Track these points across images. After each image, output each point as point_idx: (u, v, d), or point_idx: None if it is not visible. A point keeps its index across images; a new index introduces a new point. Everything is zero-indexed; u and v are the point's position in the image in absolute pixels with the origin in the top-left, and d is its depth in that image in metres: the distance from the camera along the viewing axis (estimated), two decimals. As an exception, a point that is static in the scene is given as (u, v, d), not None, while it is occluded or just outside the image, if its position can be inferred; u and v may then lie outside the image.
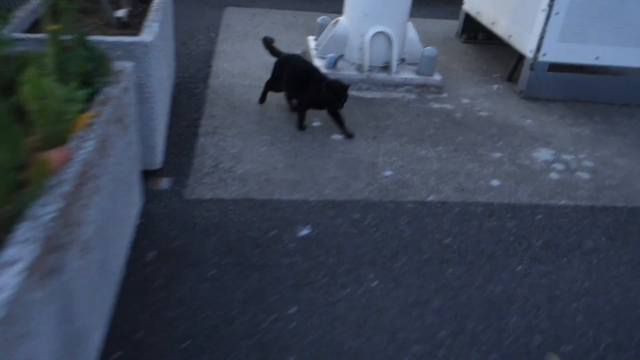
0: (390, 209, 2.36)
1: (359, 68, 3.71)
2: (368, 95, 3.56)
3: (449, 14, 5.82)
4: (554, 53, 3.57)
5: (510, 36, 3.96)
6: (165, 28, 2.63)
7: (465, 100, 3.62)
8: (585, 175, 2.80)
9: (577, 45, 3.55)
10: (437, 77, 3.69)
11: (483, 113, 3.45)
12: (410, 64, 3.88)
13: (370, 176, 2.60)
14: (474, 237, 2.23)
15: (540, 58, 3.58)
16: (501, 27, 4.14)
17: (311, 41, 4.19)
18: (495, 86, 3.94)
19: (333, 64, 3.61)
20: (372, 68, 3.72)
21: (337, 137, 2.95)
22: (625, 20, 3.49)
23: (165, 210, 2.22)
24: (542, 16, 3.48)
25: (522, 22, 3.78)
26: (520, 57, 3.81)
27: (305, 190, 2.44)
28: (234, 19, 5.04)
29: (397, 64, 3.79)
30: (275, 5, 5.71)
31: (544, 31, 3.49)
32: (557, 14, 3.44)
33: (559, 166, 2.86)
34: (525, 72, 3.71)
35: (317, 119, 3.10)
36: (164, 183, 2.37)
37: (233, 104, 3.21)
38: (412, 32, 3.86)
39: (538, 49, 3.55)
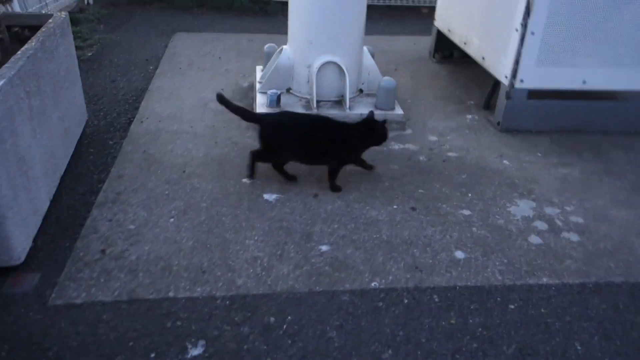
0: (319, 305, 1.82)
1: (308, 104, 3.18)
2: (317, 137, 3.02)
3: (423, 30, 5.31)
4: (532, 79, 3.04)
5: (483, 58, 3.44)
6: (31, 79, 2.11)
7: (433, 138, 3.08)
8: (573, 237, 2.25)
9: (559, 69, 3.03)
10: (398, 112, 3.16)
11: (452, 154, 2.91)
12: (369, 95, 3.36)
13: (301, 254, 2.07)
14: (423, 346, 1.68)
15: (517, 85, 3.05)
16: (473, 48, 3.62)
17: (259, 71, 3.67)
18: (469, 117, 3.41)
19: (275, 102, 3.09)
20: (323, 104, 3.20)
21: (271, 196, 2.42)
22: (615, 36, 2.96)
23: (15, 326, 1.68)
24: (515, 37, 2.96)
25: (494, 43, 3.26)
26: (497, 82, 3.28)
27: (212, 281, 1.90)
28: (180, 46, 4.53)
29: (353, 97, 3.27)
30: (231, 28, 5.21)
31: (519, 54, 2.96)
32: (532, 33, 2.91)
33: (541, 225, 2.32)
34: (501, 102, 3.19)
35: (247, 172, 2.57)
36: (24, 283, 1.83)
37: (151, 158, 2.69)
38: (368, 59, 3.34)
39: (514, 74, 3.02)
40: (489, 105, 3.52)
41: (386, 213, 2.35)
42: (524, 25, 2.89)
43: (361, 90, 3.39)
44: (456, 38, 3.96)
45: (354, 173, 2.64)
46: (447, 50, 4.46)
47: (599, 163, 2.89)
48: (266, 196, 2.42)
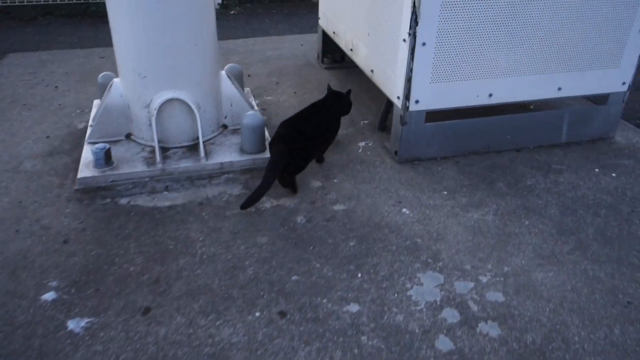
0: None
1: (151, 158, 2.43)
2: (163, 202, 2.29)
3: (315, 25, 4.65)
4: (429, 98, 2.46)
5: (372, 71, 2.82)
6: None
7: (316, 183, 2.44)
8: (493, 331, 1.70)
9: (460, 84, 2.46)
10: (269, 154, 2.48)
11: (339, 206, 2.28)
12: (235, 130, 2.66)
13: None
14: None
15: (413, 107, 2.46)
16: (361, 57, 2.99)
17: (95, 108, 2.86)
18: (362, 144, 2.79)
19: (104, 160, 2.31)
20: (173, 152, 2.46)
21: (80, 323, 1.69)
22: (524, 40, 2.42)
23: None
24: (404, 49, 2.35)
25: (382, 55, 2.64)
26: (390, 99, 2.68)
27: None
28: (7, 74, 3.60)
29: (212, 138, 2.56)
30: (82, 41, 4.29)
31: (410, 70, 2.36)
32: (424, 44, 2.31)
33: (451, 315, 1.75)
34: (396, 127, 2.59)
35: (56, 280, 1.82)
36: None
37: None
38: (228, 86, 2.62)
39: (407, 94, 2.42)
40: (384, 125, 2.93)
41: (244, 330, 1.68)
42: (413, 35, 2.28)
43: (225, 126, 2.68)
44: (342, 43, 3.32)
45: (209, 257, 1.95)
46: (337, 53, 3.82)
47: (516, 197, 2.37)
48: (72, 324, 1.69)
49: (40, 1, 4.85)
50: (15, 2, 4.79)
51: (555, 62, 2.54)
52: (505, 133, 2.70)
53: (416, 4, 2.21)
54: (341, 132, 2.89)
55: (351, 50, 3.13)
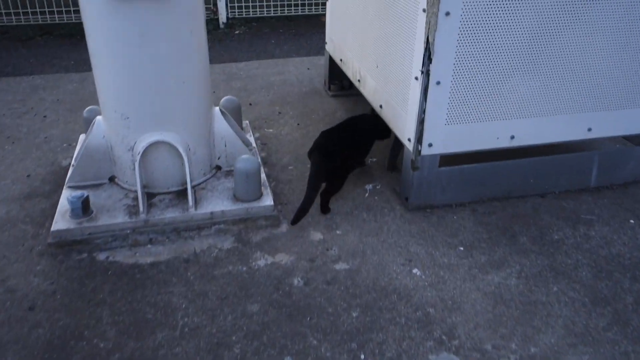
0: None
1: (135, 206, 2.20)
2: (146, 257, 2.06)
3: (323, 46, 4.44)
4: (443, 141, 2.21)
5: (381, 107, 2.57)
6: None
7: (317, 236, 2.19)
8: None
9: (478, 125, 2.20)
10: (265, 203, 2.24)
11: (342, 265, 2.03)
12: (230, 172, 2.42)
13: None
14: None
15: (425, 151, 2.20)
16: (369, 90, 2.74)
17: (81, 143, 2.64)
18: (370, 187, 2.54)
19: (80, 210, 2.08)
20: (160, 198, 2.23)
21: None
22: (550, 75, 2.17)
23: None
24: (416, 88, 2.10)
25: (392, 91, 2.39)
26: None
27: None
28: (-6, 102, 3.40)
29: (203, 183, 2.32)
30: (78, 64, 4.10)
31: (423, 111, 2.11)
32: (438, 83, 2.06)
33: (469, 415, 1.48)
34: (407, 172, 2.33)
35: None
36: None
37: None
38: (221, 124, 2.39)
39: (419, 137, 2.17)
40: (394, 165, 2.67)
41: None
42: (426, 73, 2.03)
43: (218, 168, 2.44)
44: (349, 72, 3.08)
45: (192, 331, 1.71)
46: (345, 80, 3.57)
47: (542, 255, 2.10)
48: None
49: (39, 20, 4.69)
50: (12, 22, 4.63)
51: (585, 100, 2.27)
52: (529, 177, 2.43)
53: (429, 39, 1.97)
54: (346, 173, 2.64)
55: (359, 81, 2.89)
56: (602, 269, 2.03)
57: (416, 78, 2.10)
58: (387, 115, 2.48)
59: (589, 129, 2.36)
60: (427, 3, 1.93)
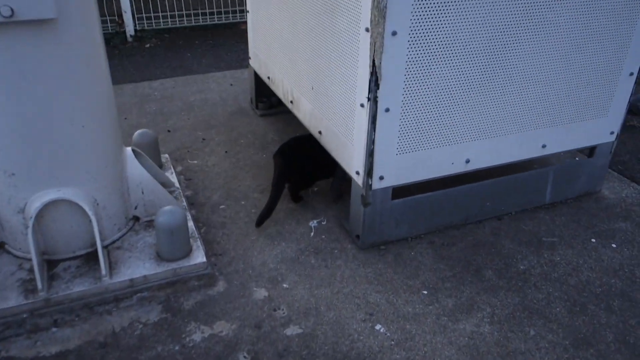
0: None
1: (32, 280, 1.78)
2: (50, 346, 1.65)
3: (246, 57, 4.10)
4: (396, 172, 1.96)
5: (320, 133, 2.29)
6: None
7: (261, 294, 1.87)
8: None
9: (432, 152, 1.98)
10: (197, 259, 1.89)
11: (293, 330, 1.73)
12: (151, 222, 2.04)
13: None
14: None
15: (376, 184, 1.95)
16: (304, 113, 2.45)
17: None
18: (314, 223, 2.26)
19: (-43, 297, 1.63)
20: (64, 267, 1.82)
21: None
22: (503, 94, 1.98)
23: None
24: (362, 115, 1.84)
25: (333, 116, 2.12)
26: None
27: None
28: None
29: (119, 240, 1.94)
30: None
31: (372, 141, 1.85)
32: (387, 110, 1.81)
33: None
34: (356, 208, 2.07)
35: None
36: None
37: None
38: (135, 168, 2.01)
39: (369, 170, 1.91)
40: (339, 194, 2.40)
41: None
42: (373, 100, 1.77)
43: (136, 219, 2.06)
44: (279, 91, 2.77)
45: None
46: (273, 96, 3.26)
47: (511, 291, 1.91)
48: None
49: None
50: None
51: (538, 117, 2.12)
52: (485, 201, 2.25)
53: (375, 62, 1.71)
54: (287, 205, 2.34)
55: (291, 102, 2.59)
56: (576, 302, 1.87)
57: (362, 105, 1.83)
58: (328, 143, 2.21)
59: (544, 146, 2.21)
60: (371, 22, 1.67)
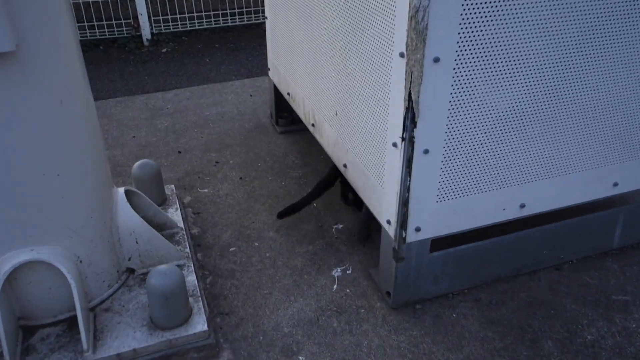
0: None
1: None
2: None
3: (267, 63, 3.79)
4: (434, 223, 1.62)
5: (345, 167, 1.96)
6: None
7: (271, 368, 1.57)
8: None
9: (479, 197, 1.63)
10: (197, 327, 1.60)
11: (310, 423, 1.42)
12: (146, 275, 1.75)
13: None
14: None
15: (411, 237, 1.61)
16: (327, 141, 2.13)
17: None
18: (337, 273, 1.94)
19: None
20: (36, 340, 1.55)
21: None
22: (568, 127, 1.61)
23: None
24: (395, 157, 1.50)
25: (360, 151, 1.79)
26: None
27: None
28: None
29: (108, 300, 1.66)
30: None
31: (406, 188, 1.51)
32: (426, 152, 1.47)
33: None
34: (387, 263, 1.73)
35: None
36: None
37: None
38: (127, 215, 1.72)
39: (403, 221, 1.57)
40: (368, 235, 2.08)
41: None
42: (409, 140, 1.43)
43: (131, 271, 1.78)
44: (300, 111, 2.45)
45: None
46: (295, 112, 2.94)
47: (579, 375, 1.55)
48: None
49: None
50: None
51: (609, 151, 1.74)
52: (542, 248, 1.89)
53: (412, 95, 1.36)
54: (303, 251, 2.02)
55: (313, 125, 2.27)
56: (661, 389, 1.50)
57: (394, 145, 1.50)
58: (354, 180, 1.88)
59: (615, 184, 1.83)
60: (407, 46, 1.32)
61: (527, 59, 1.43)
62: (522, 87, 1.47)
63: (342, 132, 1.91)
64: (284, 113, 2.96)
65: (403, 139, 1.45)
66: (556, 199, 1.77)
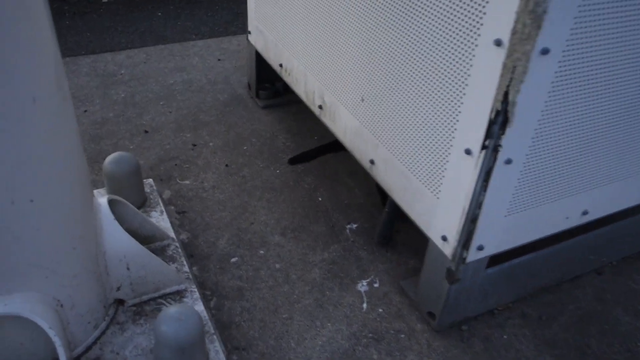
0: None
1: None
2: None
3: (238, 17, 3.34)
4: (499, 238, 1.38)
5: (372, 163, 1.65)
6: None
7: (311, 421, 1.29)
8: None
9: (546, 207, 1.40)
10: (219, 380, 1.27)
11: None
12: (142, 308, 1.40)
13: None
14: None
15: (472, 256, 1.36)
16: (341, 128, 1.80)
17: None
18: (364, 286, 1.67)
19: None
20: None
21: None
22: (633, 131, 1.39)
23: None
24: (468, 166, 1.21)
25: (401, 148, 1.48)
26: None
27: None
28: None
29: (96, 342, 1.29)
30: None
31: (478, 204, 1.24)
32: (508, 162, 1.19)
33: None
34: (437, 283, 1.48)
35: None
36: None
37: None
38: (115, 234, 1.33)
39: (465, 240, 1.31)
40: (390, 236, 1.81)
41: None
42: (492, 149, 1.15)
43: (121, 302, 1.41)
44: (299, 87, 2.08)
45: None
46: (278, 81, 2.56)
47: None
48: None
49: None
50: None
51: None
52: (587, 255, 1.71)
53: (510, 96, 1.07)
54: (322, 254, 1.72)
55: (320, 107, 1.92)
56: None
57: (468, 152, 1.21)
58: (387, 180, 1.58)
59: (671, 184, 1.65)
60: (513, 33, 1.01)
61: (627, 60, 1.17)
62: (615, 90, 1.22)
63: (370, 122, 1.59)
64: (265, 84, 2.57)
65: (485, 147, 1.16)
66: (615, 203, 1.57)
